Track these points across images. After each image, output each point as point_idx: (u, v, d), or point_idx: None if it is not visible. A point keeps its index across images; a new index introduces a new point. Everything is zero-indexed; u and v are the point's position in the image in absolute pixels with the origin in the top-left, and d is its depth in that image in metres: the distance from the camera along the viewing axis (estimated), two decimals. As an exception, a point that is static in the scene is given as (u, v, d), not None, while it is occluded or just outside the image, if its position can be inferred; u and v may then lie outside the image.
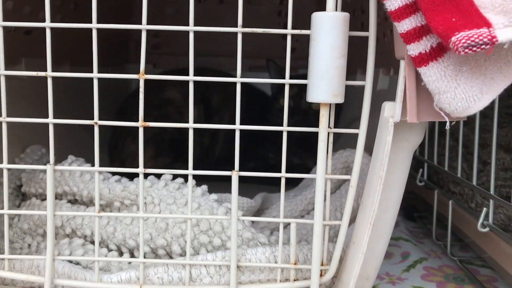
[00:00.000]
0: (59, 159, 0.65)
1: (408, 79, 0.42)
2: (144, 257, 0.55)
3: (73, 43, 0.77)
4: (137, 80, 1.14)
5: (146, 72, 1.34)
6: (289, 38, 0.47)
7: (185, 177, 0.94)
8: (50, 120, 0.48)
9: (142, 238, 0.50)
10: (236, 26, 0.46)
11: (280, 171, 0.48)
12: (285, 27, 0.46)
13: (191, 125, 0.48)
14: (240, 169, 0.48)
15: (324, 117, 0.45)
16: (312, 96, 0.45)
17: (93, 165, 0.49)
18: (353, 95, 0.59)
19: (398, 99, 0.43)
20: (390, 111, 0.44)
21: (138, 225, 0.54)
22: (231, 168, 0.49)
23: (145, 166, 1.14)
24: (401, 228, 0.89)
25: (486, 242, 0.66)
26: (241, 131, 0.73)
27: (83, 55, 0.47)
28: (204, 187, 0.57)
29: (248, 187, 0.67)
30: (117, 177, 0.59)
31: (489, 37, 0.35)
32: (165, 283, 0.50)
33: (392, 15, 0.40)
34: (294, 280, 0.50)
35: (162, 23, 0.47)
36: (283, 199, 0.49)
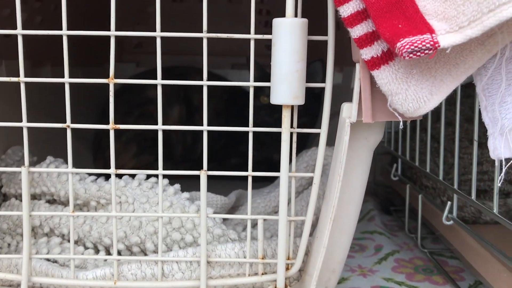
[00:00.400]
0: (42, 159, 0.67)
1: (363, 81, 0.45)
2: (120, 254, 0.57)
3: (53, 43, 0.79)
4: (121, 79, 1.13)
5: (130, 71, 1.36)
6: (252, 43, 0.49)
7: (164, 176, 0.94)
8: (24, 124, 0.50)
9: (115, 236, 0.51)
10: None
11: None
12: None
13: (160, 127, 0.50)
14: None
15: (286, 118, 0.48)
16: (274, 98, 0.47)
17: (72, 165, 0.51)
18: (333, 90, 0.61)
19: (354, 101, 0.46)
20: (348, 111, 0.46)
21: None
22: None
23: (128, 164, 1.15)
24: (377, 221, 0.91)
25: (452, 235, 0.69)
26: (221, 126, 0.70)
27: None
28: (177, 186, 0.59)
29: (228, 183, 0.69)
30: (93, 177, 0.61)
31: (432, 42, 0.37)
32: (138, 279, 0.52)
33: (345, 21, 0.42)
34: (262, 274, 0.52)
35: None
36: (250, 197, 0.51)
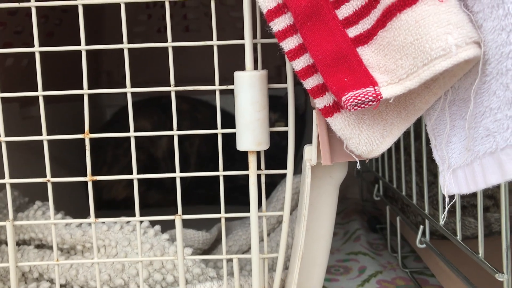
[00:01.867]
0: (36, 196, 0.69)
1: (319, 127, 0.48)
2: (106, 296, 0.60)
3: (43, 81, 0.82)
4: (112, 109, 1.17)
5: (120, 100, 1.39)
6: (217, 94, 0.52)
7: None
8: (7, 180, 0.53)
9: (98, 282, 0.54)
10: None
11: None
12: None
13: (135, 176, 0.53)
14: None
15: (252, 162, 0.51)
16: (240, 145, 0.50)
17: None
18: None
19: (313, 144, 0.49)
20: (309, 154, 0.49)
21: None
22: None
23: (120, 195, 1.18)
24: (362, 242, 0.94)
25: (427, 256, 0.71)
26: (211, 152, 0.70)
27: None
28: (157, 227, 0.62)
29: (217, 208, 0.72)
30: (78, 222, 0.64)
31: (374, 95, 0.40)
32: (123, 320, 0.54)
33: (298, 74, 0.45)
34: (240, 309, 0.55)
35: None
36: (224, 238, 0.54)
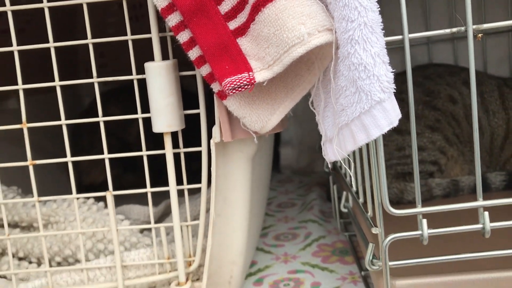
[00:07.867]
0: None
1: (219, 108, 0.54)
2: (60, 265, 0.68)
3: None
4: (89, 98, 1.23)
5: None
6: (135, 82, 0.59)
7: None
8: (-41, 168, 0.61)
9: (45, 253, 0.62)
10: None
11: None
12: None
13: (69, 158, 0.60)
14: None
15: (167, 143, 0.57)
16: (154, 127, 0.57)
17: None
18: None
19: (216, 124, 0.55)
20: (214, 133, 0.56)
21: (49, 241, 0.67)
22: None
23: (99, 178, 1.25)
24: (314, 211, 1.01)
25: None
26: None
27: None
28: (101, 204, 0.69)
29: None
30: (22, 201, 0.71)
31: (248, 79, 0.47)
32: (69, 284, 0.62)
33: (194, 63, 0.52)
34: (170, 271, 0.62)
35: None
36: (151, 208, 0.61)
